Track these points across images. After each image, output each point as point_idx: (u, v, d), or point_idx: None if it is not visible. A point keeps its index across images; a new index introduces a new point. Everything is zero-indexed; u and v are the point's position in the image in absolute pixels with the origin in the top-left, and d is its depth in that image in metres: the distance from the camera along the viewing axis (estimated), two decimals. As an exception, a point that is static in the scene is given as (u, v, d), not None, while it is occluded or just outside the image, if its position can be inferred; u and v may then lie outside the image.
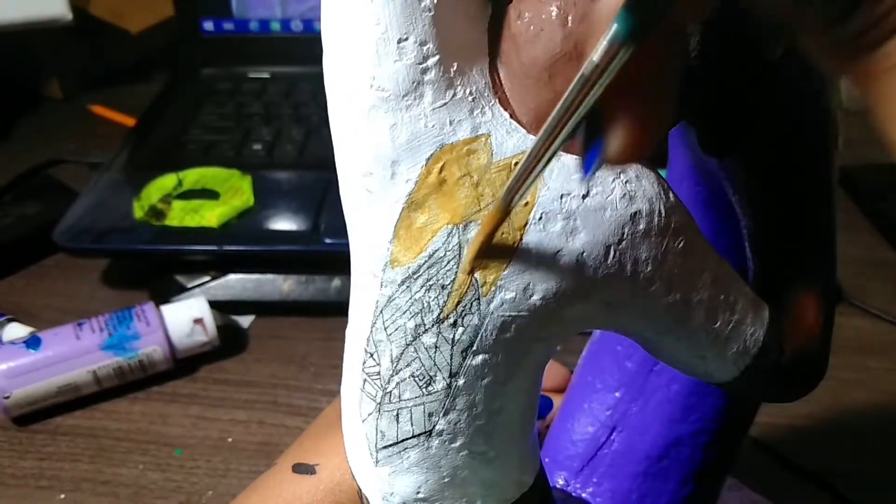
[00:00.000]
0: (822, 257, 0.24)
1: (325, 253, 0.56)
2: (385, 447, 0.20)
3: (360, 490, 0.21)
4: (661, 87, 0.17)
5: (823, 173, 0.24)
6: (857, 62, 0.14)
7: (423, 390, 0.19)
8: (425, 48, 0.18)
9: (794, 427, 0.48)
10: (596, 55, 0.15)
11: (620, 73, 0.15)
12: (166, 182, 0.61)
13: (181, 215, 0.58)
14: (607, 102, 0.16)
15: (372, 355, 0.19)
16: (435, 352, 0.19)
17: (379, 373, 0.19)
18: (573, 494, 0.33)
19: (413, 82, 0.18)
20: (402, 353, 0.19)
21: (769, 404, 0.32)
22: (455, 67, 0.18)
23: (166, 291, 0.57)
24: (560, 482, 0.33)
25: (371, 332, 0.19)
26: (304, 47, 0.77)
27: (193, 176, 0.62)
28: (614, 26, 0.14)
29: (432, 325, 0.18)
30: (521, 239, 0.18)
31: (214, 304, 0.54)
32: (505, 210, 0.18)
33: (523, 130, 0.19)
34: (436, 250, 0.18)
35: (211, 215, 0.58)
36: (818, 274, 0.24)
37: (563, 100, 0.16)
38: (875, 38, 0.14)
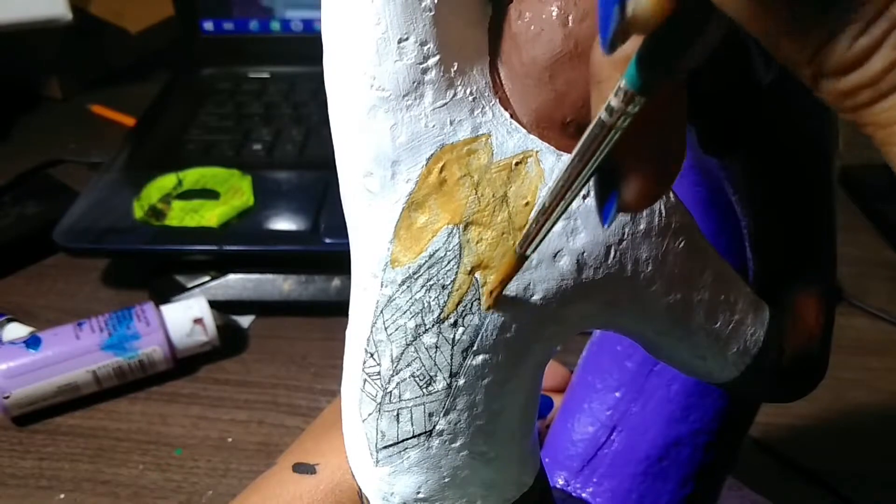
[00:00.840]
0: (823, 257, 0.24)
1: (325, 253, 0.56)
2: (385, 447, 0.20)
3: (360, 490, 0.21)
4: (671, 134, 0.16)
5: (823, 173, 0.24)
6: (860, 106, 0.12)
7: (424, 390, 0.19)
8: (426, 48, 0.18)
9: (794, 427, 0.48)
10: (605, 111, 0.15)
11: (631, 124, 0.15)
12: (166, 182, 0.61)
13: (181, 215, 0.58)
14: (619, 154, 0.15)
15: (372, 355, 0.19)
16: (435, 352, 0.19)
17: (379, 373, 0.19)
18: (573, 494, 0.33)
19: (413, 82, 0.18)
20: (402, 353, 0.19)
21: (769, 404, 0.32)
22: (455, 67, 0.18)
23: (166, 291, 0.57)
24: (560, 482, 0.33)
25: (371, 332, 0.19)
26: (304, 47, 0.77)
27: (193, 176, 0.62)
28: (623, 81, 0.14)
29: (433, 325, 0.18)
30: (521, 239, 0.18)
31: (214, 304, 0.54)
32: (521, 260, 0.18)
33: (524, 130, 0.19)
34: (436, 250, 0.18)
35: (211, 215, 0.58)
36: (818, 274, 0.24)
37: (575, 152, 0.16)
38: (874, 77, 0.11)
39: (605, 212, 0.17)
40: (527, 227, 0.18)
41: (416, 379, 0.19)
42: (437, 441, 0.19)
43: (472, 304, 0.18)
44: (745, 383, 0.23)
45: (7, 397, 0.48)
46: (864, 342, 0.55)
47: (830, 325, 0.24)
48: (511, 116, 0.19)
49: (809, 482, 0.45)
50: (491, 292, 0.18)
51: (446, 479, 0.20)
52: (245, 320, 0.58)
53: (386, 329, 0.19)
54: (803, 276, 0.24)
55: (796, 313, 0.23)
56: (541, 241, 0.17)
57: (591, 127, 0.15)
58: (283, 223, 0.58)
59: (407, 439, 0.19)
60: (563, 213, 0.17)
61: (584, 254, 0.19)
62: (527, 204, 0.18)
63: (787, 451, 0.46)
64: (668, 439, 0.32)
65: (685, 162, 0.28)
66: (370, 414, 0.20)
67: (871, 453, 0.47)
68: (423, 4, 0.17)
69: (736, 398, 0.31)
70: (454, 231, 0.18)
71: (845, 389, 0.51)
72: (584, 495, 0.33)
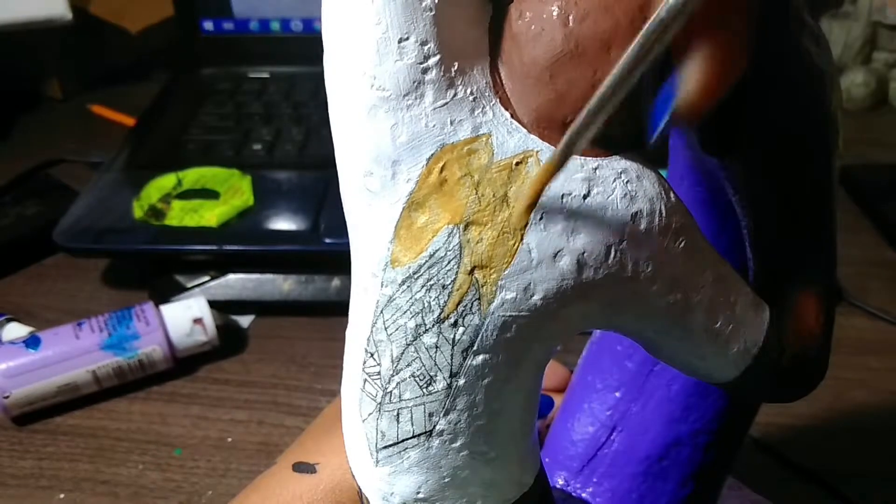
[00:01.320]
0: (823, 257, 0.24)
1: (325, 253, 0.56)
2: (385, 447, 0.20)
3: (360, 490, 0.21)
4: (745, 14, 0.15)
5: (824, 173, 0.24)
6: None
7: (424, 390, 0.19)
8: (426, 48, 0.18)
9: (794, 427, 0.48)
10: None
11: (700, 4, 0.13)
12: (166, 182, 0.61)
13: (181, 215, 0.58)
14: (680, 41, 0.14)
15: (372, 355, 0.19)
16: (435, 352, 0.19)
17: (379, 373, 0.19)
18: (573, 494, 0.33)
19: (414, 82, 0.18)
20: (402, 353, 0.19)
21: (769, 404, 0.32)
22: (456, 67, 0.18)
23: (166, 291, 0.57)
24: (560, 482, 0.33)
25: (371, 332, 0.19)
26: (304, 47, 0.77)
27: (193, 176, 0.62)
28: None
29: (433, 325, 0.18)
30: (521, 239, 0.18)
31: (214, 304, 0.54)
32: (564, 157, 0.17)
33: (524, 130, 0.19)
34: (436, 250, 0.18)
35: (211, 215, 0.58)
36: (818, 274, 0.24)
37: (647, 29, 0.14)
38: None
39: (658, 108, 0.15)
40: (574, 124, 0.16)
41: (417, 379, 0.19)
42: (438, 441, 0.19)
43: (472, 304, 0.18)
44: (746, 383, 0.23)
45: (7, 397, 0.48)
46: (864, 342, 0.55)
47: (830, 325, 0.24)
48: (511, 116, 0.19)
49: (809, 482, 0.45)
50: (529, 203, 0.18)
51: (446, 479, 0.20)
52: (245, 320, 0.58)
53: (386, 329, 0.19)
54: (803, 276, 0.24)
55: (797, 313, 0.23)
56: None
57: (657, 12, 0.14)
58: (283, 223, 0.58)
59: (407, 439, 0.19)
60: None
61: (585, 254, 0.19)
62: (527, 204, 0.18)
63: (787, 451, 0.46)
64: (668, 439, 0.32)
65: (685, 163, 0.29)
66: (370, 414, 0.20)
67: (871, 453, 0.47)
68: (424, 4, 0.17)
69: (736, 398, 0.31)
70: (454, 231, 0.18)
71: (845, 389, 0.51)
72: (584, 495, 0.33)
